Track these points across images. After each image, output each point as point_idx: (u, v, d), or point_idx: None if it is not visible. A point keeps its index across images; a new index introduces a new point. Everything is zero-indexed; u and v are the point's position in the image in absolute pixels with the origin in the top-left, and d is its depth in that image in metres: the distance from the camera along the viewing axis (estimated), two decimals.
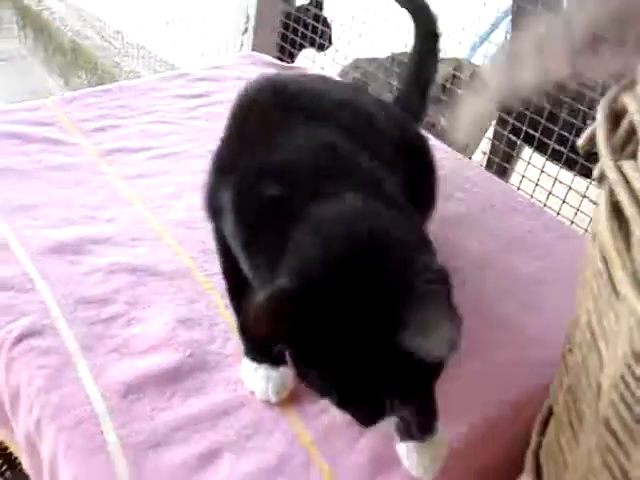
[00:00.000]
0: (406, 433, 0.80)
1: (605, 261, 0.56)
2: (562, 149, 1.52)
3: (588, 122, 1.48)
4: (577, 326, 0.67)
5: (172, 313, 0.96)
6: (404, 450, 0.80)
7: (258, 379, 0.87)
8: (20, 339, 0.92)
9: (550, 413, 0.77)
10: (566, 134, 1.50)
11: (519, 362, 0.95)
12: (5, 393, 0.92)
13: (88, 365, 0.89)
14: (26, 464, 0.94)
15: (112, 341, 0.92)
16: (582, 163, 1.48)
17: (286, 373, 0.86)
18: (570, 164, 1.52)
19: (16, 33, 2.96)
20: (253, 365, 0.87)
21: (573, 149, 1.49)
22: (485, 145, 1.77)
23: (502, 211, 1.24)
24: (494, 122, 1.70)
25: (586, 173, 1.48)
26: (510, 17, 1.77)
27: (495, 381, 0.92)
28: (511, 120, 1.61)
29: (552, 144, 1.53)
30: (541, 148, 1.57)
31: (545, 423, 0.78)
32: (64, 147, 1.28)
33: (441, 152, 1.31)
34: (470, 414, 0.87)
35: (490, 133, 1.75)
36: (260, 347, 0.87)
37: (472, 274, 1.07)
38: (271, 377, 0.86)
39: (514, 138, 1.63)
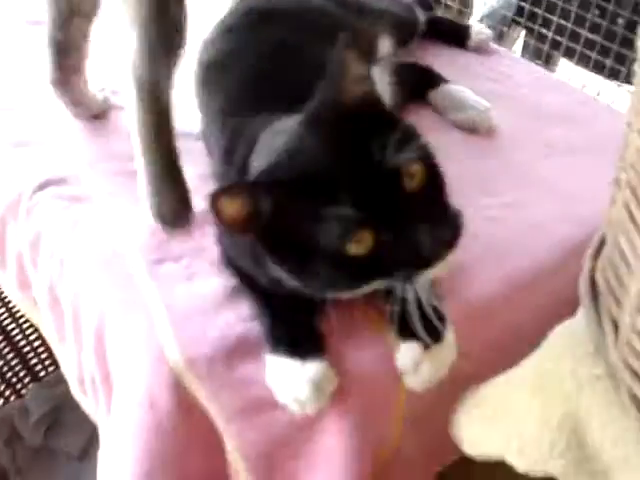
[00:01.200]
0: (406, 329, 0.69)
1: None
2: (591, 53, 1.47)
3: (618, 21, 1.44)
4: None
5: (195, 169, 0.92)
6: (403, 352, 0.70)
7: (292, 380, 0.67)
8: (42, 187, 0.89)
9: (602, 242, 0.73)
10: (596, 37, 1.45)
11: (563, 216, 0.91)
12: (25, 240, 0.88)
13: (113, 209, 0.85)
14: (46, 322, 0.90)
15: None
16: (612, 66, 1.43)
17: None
18: (599, 68, 1.47)
19: None
20: (281, 361, 0.69)
21: (604, 51, 1.44)
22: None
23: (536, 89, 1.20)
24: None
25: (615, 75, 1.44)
26: None
27: (539, 232, 0.88)
28: (536, 27, 1.56)
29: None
30: (569, 54, 1.52)
31: (598, 251, 0.73)
32: None
33: None
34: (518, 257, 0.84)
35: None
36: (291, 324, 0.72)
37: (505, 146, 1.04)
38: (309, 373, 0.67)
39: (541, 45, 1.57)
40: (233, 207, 0.61)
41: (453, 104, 1.07)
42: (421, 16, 1.23)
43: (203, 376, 0.69)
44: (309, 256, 0.63)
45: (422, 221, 0.62)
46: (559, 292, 0.80)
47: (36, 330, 1.47)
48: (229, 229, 0.66)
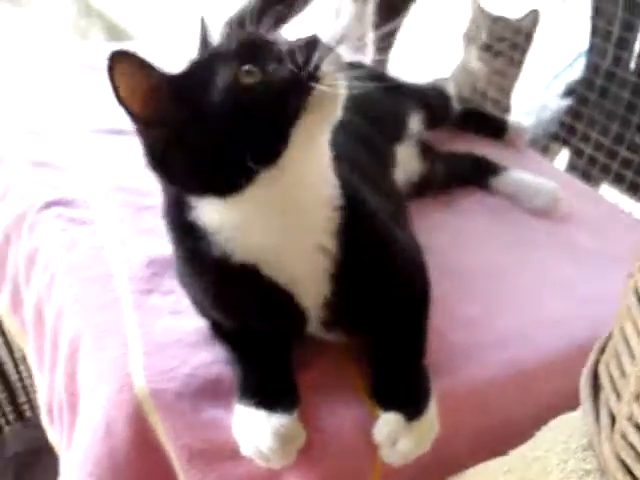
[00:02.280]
0: (387, 397, 0.66)
1: None
2: None
3: None
4: None
5: None
6: (382, 422, 0.64)
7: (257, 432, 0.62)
8: (49, 205, 0.88)
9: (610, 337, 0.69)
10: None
11: (577, 315, 0.87)
12: (23, 256, 0.87)
13: (116, 235, 0.84)
14: (30, 345, 0.88)
15: (143, 224, 0.87)
16: None
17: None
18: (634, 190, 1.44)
19: None
20: (249, 412, 0.64)
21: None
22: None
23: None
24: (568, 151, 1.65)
25: None
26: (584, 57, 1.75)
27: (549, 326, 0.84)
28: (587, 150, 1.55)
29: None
30: (619, 180, 1.49)
31: (605, 345, 0.69)
32: None
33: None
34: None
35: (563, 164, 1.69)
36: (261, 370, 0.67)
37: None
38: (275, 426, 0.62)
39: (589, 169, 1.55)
40: (133, 79, 0.58)
41: (524, 191, 1.10)
42: (455, 104, 1.24)
43: (167, 410, 0.65)
44: (206, 126, 0.59)
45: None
46: (559, 388, 0.75)
47: (28, 367, 1.44)
48: (124, 107, 0.59)
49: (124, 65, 0.57)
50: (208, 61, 0.62)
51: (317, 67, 0.60)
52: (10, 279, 0.93)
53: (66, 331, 0.75)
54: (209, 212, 0.61)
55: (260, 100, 0.59)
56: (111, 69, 0.57)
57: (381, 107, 1.00)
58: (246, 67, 0.59)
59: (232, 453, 0.63)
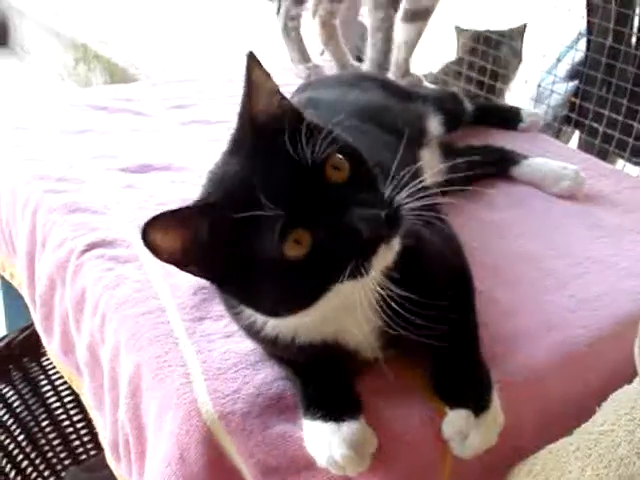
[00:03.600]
0: (452, 395, 0.68)
1: None
2: None
3: None
4: None
5: None
6: (450, 419, 0.67)
7: (330, 443, 0.64)
8: (90, 248, 0.90)
9: None
10: None
11: (618, 291, 0.89)
12: (71, 301, 0.89)
13: (159, 270, 0.85)
14: (86, 386, 0.90)
15: None
16: None
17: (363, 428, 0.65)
18: None
19: None
20: (317, 425, 0.66)
21: None
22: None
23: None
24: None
25: None
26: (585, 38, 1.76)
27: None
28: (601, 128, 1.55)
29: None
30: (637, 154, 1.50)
31: None
32: (144, 117, 1.30)
33: None
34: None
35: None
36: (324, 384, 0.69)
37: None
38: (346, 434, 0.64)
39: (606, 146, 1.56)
40: (167, 239, 0.59)
41: (547, 176, 1.12)
42: (468, 104, 1.26)
43: (237, 432, 0.67)
44: (255, 275, 0.61)
45: (355, 206, 0.60)
46: (613, 362, 0.76)
47: (80, 411, 1.46)
48: (169, 262, 0.61)
49: (155, 233, 0.59)
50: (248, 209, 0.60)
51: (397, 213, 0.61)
52: (59, 324, 0.95)
53: (125, 367, 0.77)
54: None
55: (308, 274, 0.60)
56: (145, 240, 0.59)
57: (400, 116, 1.02)
58: (292, 235, 0.59)
59: (306, 464, 0.65)
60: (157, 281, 0.84)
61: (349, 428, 0.64)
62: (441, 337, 0.68)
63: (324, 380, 0.69)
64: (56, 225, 0.96)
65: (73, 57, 3.47)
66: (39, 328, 1.02)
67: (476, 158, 1.12)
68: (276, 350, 0.71)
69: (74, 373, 0.96)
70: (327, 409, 0.65)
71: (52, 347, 1.00)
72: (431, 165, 1.04)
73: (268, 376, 0.72)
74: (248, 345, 0.75)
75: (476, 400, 0.67)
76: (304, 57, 1.52)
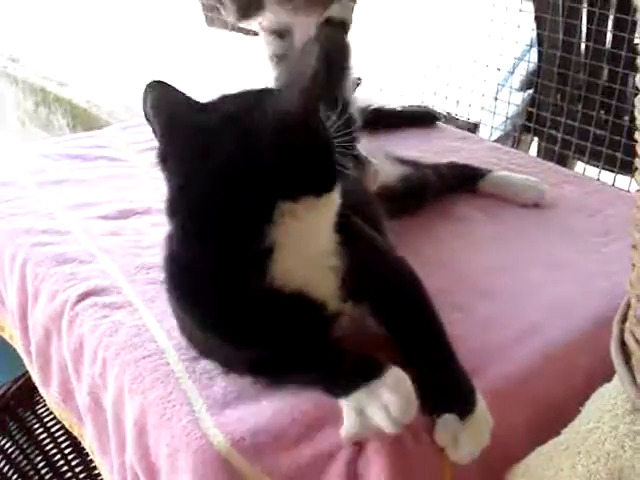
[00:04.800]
0: (437, 403, 0.71)
1: None
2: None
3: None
4: None
5: None
6: (439, 426, 0.70)
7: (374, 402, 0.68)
8: (83, 298, 0.93)
9: (628, 306, 0.74)
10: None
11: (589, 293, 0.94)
12: (68, 351, 0.91)
13: (152, 313, 0.89)
14: (89, 432, 0.92)
15: None
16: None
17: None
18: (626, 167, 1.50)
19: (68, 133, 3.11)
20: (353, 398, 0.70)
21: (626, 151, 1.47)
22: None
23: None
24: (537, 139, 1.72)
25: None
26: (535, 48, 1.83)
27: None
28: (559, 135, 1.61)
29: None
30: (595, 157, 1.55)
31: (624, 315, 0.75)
32: (118, 162, 1.33)
33: None
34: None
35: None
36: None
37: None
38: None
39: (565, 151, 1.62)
40: None
41: (512, 188, 1.19)
42: None
43: (252, 453, 0.69)
44: None
45: None
46: (591, 363, 0.81)
47: (79, 456, 1.47)
48: None
49: None
50: None
51: None
52: (57, 373, 0.97)
53: (130, 410, 0.80)
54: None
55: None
56: None
57: None
58: None
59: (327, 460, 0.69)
60: (152, 324, 0.87)
61: (391, 375, 0.68)
62: (407, 339, 0.74)
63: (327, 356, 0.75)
64: (47, 277, 0.99)
65: (33, 101, 3.48)
66: (36, 378, 1.04)
67: (443, 174, 1.18)
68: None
69: (75, 420, 0.98)
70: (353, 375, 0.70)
71: (50, 396, 1.02)
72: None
73: (274, 399, 0.75)
74: (247, 380, 0.78)
75: (460, 403, 0.70)
76: None
